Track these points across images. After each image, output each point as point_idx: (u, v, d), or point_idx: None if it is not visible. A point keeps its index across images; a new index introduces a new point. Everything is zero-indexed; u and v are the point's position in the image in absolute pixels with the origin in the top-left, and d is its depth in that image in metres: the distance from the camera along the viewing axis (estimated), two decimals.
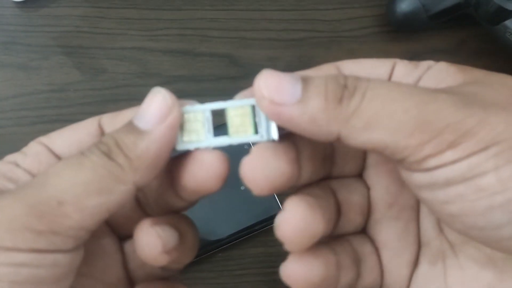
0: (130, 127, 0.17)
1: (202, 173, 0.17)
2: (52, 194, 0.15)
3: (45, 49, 0.39)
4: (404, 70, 0.18)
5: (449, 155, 0.14)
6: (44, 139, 0.19)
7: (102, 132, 0.19)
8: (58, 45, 0.40)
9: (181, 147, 0.17)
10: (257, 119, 0.17)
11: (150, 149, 0.16)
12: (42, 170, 0.18)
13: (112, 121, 0.19)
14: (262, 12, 0.41)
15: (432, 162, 0.14)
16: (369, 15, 0.41)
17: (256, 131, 0.17)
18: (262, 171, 0.16)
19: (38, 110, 0.38)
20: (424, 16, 0.38)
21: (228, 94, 0.19)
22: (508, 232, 0.14)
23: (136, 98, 0.38)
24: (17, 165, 0.18)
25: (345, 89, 0.15)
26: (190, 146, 0.17)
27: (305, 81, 0.15)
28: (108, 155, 0.16)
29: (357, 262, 0.19)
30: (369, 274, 0.19)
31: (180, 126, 0.17)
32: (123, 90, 0.39)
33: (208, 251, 0.34)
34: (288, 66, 0.40)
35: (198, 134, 0.17)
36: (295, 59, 0.40)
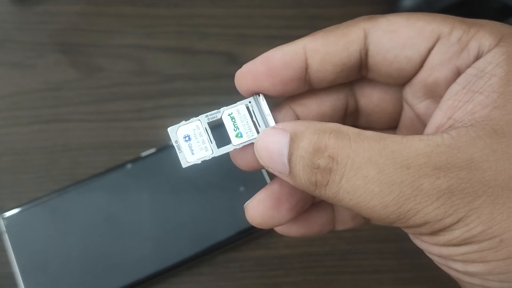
0: None
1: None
2: None
3: (41, 47, 0.39)
4: (444, 55, 0.15)
5: (426, 239, 0.14)
6: None
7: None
8: (54, 43, 0.39)
9: (187, 164, 0.17)
10: (254, 119, 0.18)
11: None
12: None
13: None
14: (262, 9, 0.40)
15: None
16: (371, 12, 0.41)
17: (257, 131, 0.17)
18: (262, 222, 0.18)
19: (34, 109, 0.37)
20: None
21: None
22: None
23: (133, 97, 0.38)
24: None
25: (318, 173, 0.14)
26: (197, 161, 0.17)
27: (289, 154, 0.15)
28: None
29: None
30: None
31: (182, 142, 0.17)
32: (120, 88, 0.38)
33: (208, 252, 0.33)
34: None
35: (205, 146, 0.18)
36: None
